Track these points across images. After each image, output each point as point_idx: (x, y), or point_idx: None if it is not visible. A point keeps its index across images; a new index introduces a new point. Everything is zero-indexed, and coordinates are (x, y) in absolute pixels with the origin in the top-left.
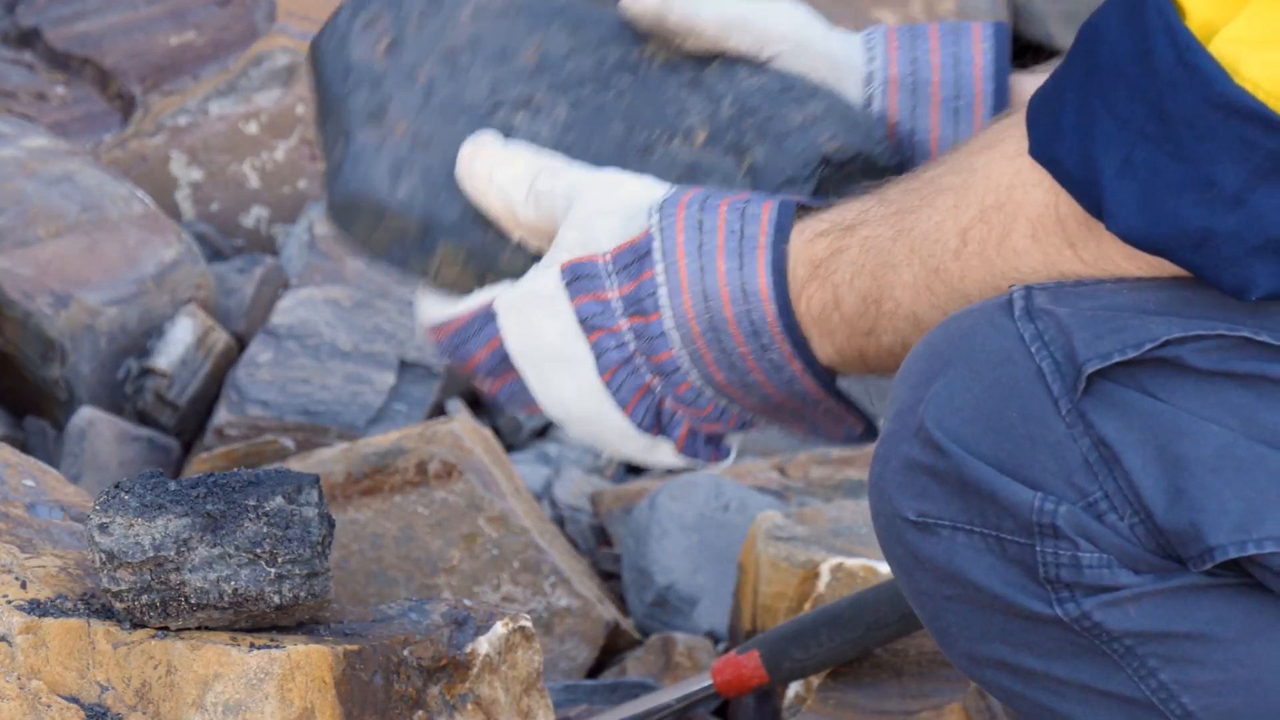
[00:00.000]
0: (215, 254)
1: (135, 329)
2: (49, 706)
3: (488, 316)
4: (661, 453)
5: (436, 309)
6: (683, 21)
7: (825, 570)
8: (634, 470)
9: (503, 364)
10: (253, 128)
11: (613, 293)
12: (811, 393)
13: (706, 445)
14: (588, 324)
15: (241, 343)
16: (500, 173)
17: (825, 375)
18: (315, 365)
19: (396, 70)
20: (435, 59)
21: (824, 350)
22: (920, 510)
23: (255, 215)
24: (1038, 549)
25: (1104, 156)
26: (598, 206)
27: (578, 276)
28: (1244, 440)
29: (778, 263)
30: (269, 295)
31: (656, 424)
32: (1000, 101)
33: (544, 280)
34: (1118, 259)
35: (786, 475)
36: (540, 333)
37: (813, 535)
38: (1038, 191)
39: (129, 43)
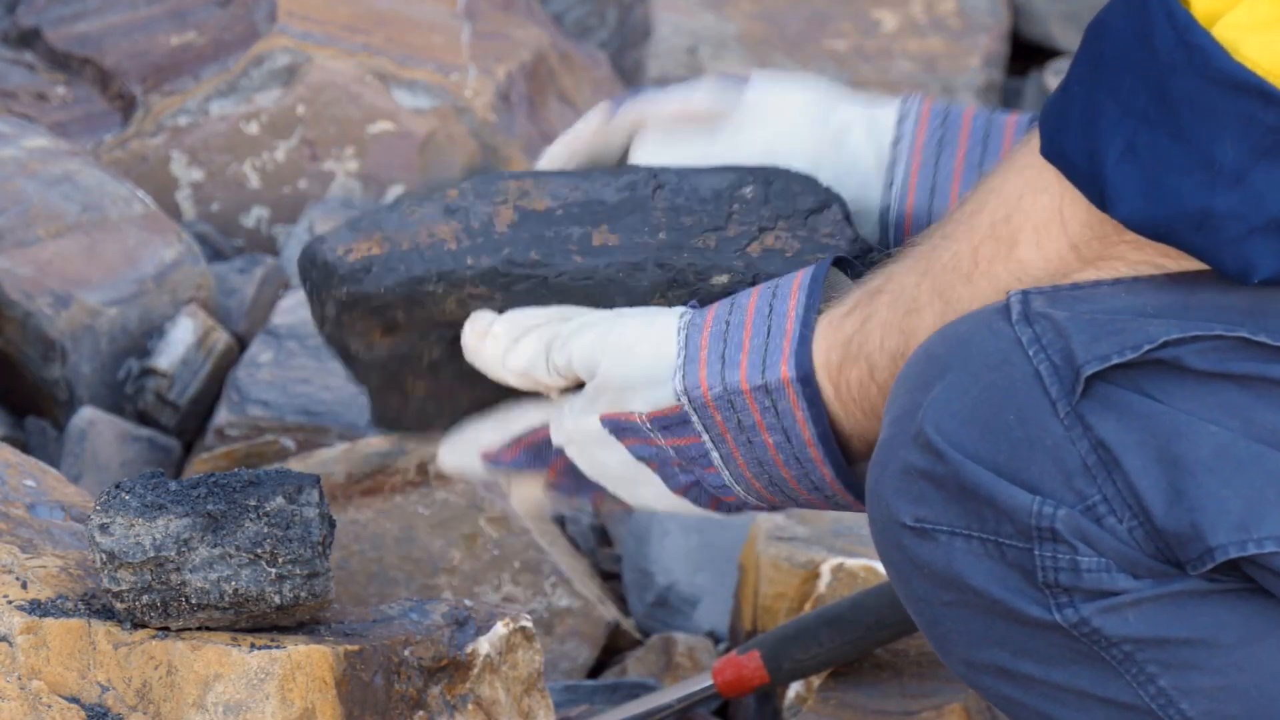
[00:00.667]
0: (216, 254)
1: (136, 329)
2: (49, 707)
3: (548, 442)
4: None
5: (493, 434)
6: (660, 148)
7: (826, 570)
8: None
9: (579, 480)
10: (253, 128)
11: (660, 442)
12: (850, 503)
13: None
14: (645, 460)
15: (242, 343)
16: (512, 361)
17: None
18: (316, 365)
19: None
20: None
21: (871, 430)
22: (918, 516)
23: (256, 215)
24: (1036, 553)
25: (1108, 144)
26: (622, 380)
27: (621, 428)
28: (1243, 440)
29: (823, 433)
30: (270, 295)
31: (712, 505)
32: None
33: (586, 424)
34: (1121, 255)
35: None
36: (606, 464)
37: (813, 535)
38: (1043, 197)
39: (129, 43)
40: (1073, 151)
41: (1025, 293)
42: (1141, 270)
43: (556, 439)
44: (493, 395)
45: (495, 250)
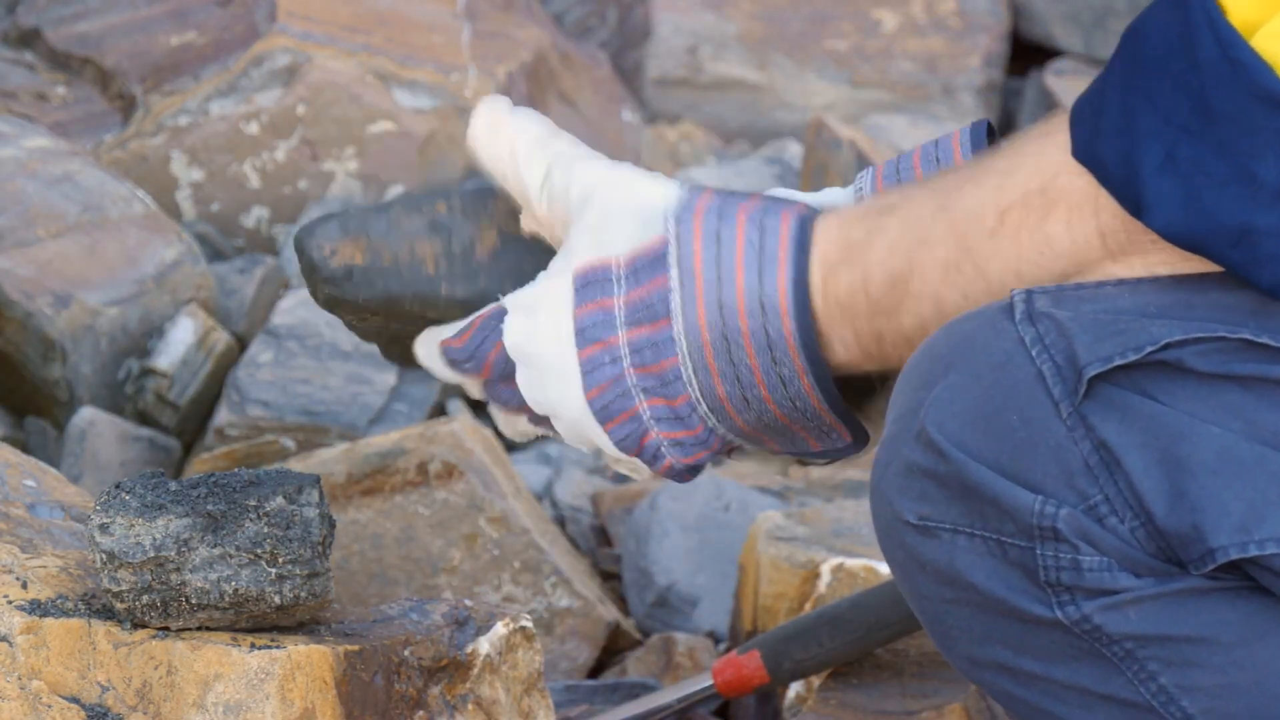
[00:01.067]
0: (216, 254)
1: (136, 329)
2: (49, 707)
3: (500, 314)
4: (639, 470)
5: (447, 329)
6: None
7: (826, 570)
8: None
9: (510, 364)
10: (253, 128)
11: (619, 300)
12: (815, 408)
13: (685, 474)
14: (585, 335)
15: (242, 343)
16: (522, 157)
17: (832, 391)
18: (316, 365)
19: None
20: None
21: (843, 336)
22: (921, 513)
23: (256, 215)
24: (1038, 552)
25: (1145, 153)
26: (613, 210)
27: (588, 283)
28: (1245, 442)
29: (798, 278)
30: (270, 295)
31: (637, 450)
32: None
33: (553, 285)
34: (1143, 252)
35: (787, 475)
36: (536, 336)
37: (813, 535)
38: (1082, 181)
39: (130, 43)
40: (1108, 156)
41: (1029, 292)
42: (1159, 270)
43: (509, 303)
44: None
45: (471, 280)
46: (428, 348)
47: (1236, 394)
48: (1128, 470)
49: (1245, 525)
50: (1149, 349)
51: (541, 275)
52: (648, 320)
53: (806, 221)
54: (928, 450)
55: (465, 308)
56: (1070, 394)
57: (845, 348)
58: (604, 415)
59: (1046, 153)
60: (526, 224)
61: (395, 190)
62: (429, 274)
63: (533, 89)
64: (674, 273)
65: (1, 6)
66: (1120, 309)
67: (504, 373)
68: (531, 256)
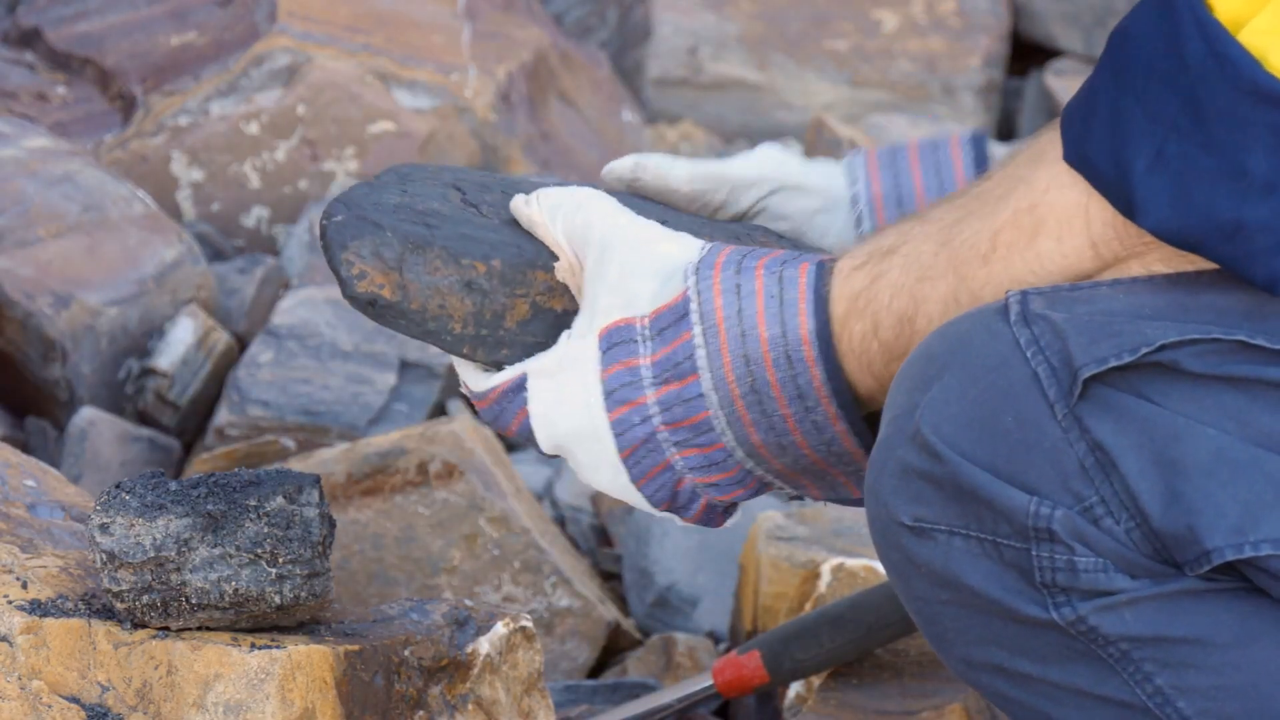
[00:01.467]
0: (216, 254)
1: (136, 329)
2: (50, 707)
3: (519, 386)
4: (670, 518)
5: (476, 381)
6: (655, 181)
7: (826, 570)
8: None
9: (532, 435)
10: (253, 128)
11: (645, 359)
12: (849, 451)
13: (719, 515)
14: (614, 396)
15: (242, 343)
16: (544, 198)
17: (866, 435)
18: (316, 365)
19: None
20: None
21: (865, 384)
22: (916, 515)
23: (256, 215)
24: (1034, 553)
25: (1135, 152)
26: (634, 268)
27: (614, 343)
28: (1240, 443)
29: (821, 328)
30: (270, 295)
31: (670, 500)
32: None
33: (579, 347)
34: (1138, 256)
35: None
36: (564, 402)
37: (813, 535)
38: (1071, 193)
39: (130, 43)
40: (1098, 159)
41: (1024, 293)
42: (1157, 269)
43: (531, 370)
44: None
45: (494, 348)
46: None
47: (1231, 396)
48: (1123, 472)
49: (1241, 527)
50: (1144, 350)
51: (563, 336)
52: (675, 378)
53: (823, 270)
54: (923, 452)
55: (489, 367)
56: (1065, 395)
57: (869, 393)
58: (636, 472)
59: (1038, 171)
60: (560, 272)
61: None
62: (454, 331)
63: (533, 89)
64: (697, 329)
65: (2, 6)
66: (1115, 310)
67: (527, 437)
68: (558, 331)
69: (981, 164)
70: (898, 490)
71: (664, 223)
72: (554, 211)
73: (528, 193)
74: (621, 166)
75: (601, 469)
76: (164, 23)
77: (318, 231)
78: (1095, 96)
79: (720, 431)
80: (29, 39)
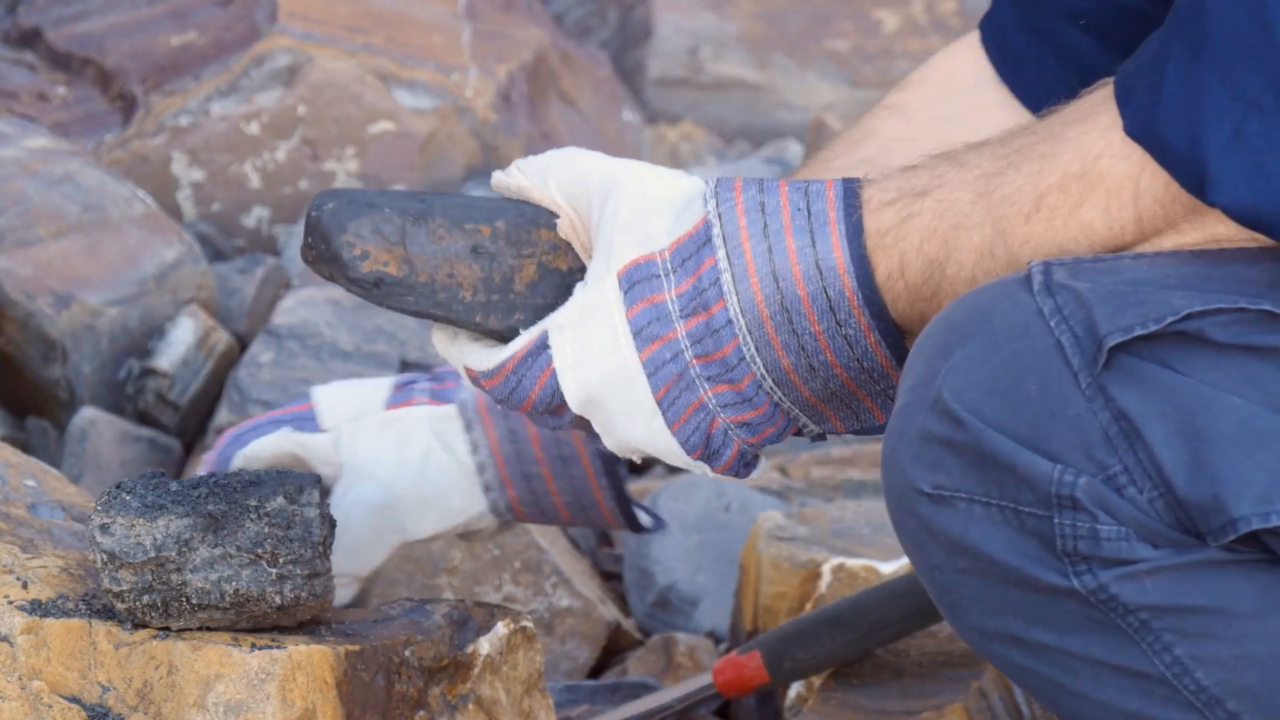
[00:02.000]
0: (216, 254)
1: (136, 329)
2: (50, 707)
3: (540, 347)
4: (701, 469)
5: (483, 359)
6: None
7: (827, 570)
8: (635, 470)
9: (556, 396)
10: (254, 128)
11: (670, 293)
12: (883, 366)
13: (746, 465)
14: (643, 335)
15: (243, 343)
16: (527, 164)
17: (900, 345)
18: (316, 365)
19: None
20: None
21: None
22: (935, 483)
23: (256, 215)
24: (1056, 521)
25: (1212, 129)
26: (645, 203)
27: (635, 281)
28: (1265, 413)
29: (853, 235)
30: (270, 295)
31: (703, 445)
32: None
33: (599, 291)
34: (1179, 232)
35: (788, 476)
36: (592, 349)
37: (814, 535)
38: (1124, 164)
39: (130, 43)
40: (1169, 133)
41: (1047, 263)
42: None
43: (551, 326)
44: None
45: (507, 313)
46: (447, 349)
47: (1256, 365)
48: (1147, 440)
49: (1267, 495)
50: (1169, 319)
51: (578, 288)
52: (702, 307)
53: (852, 187)
54: (944, 419)
55: (497, 338)
56: (1090, 364)
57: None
58: (671, 415)
59: (1088, 135)
60: (563, 229)
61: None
62: (464, 300)
63: (533, 89)
64: (721, 252)
65: (2, 6)
66: (1139, 280)
67: (549, 406)
68: (567, 291)
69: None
70: (917, 458)
71: None
72: (543, 173)
73: (485, 215)
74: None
75: (635, 416)
76: (164, 23)
77: (307, 225)
78: (1163, 66)
79: (750, 359)
80: (29, 39)
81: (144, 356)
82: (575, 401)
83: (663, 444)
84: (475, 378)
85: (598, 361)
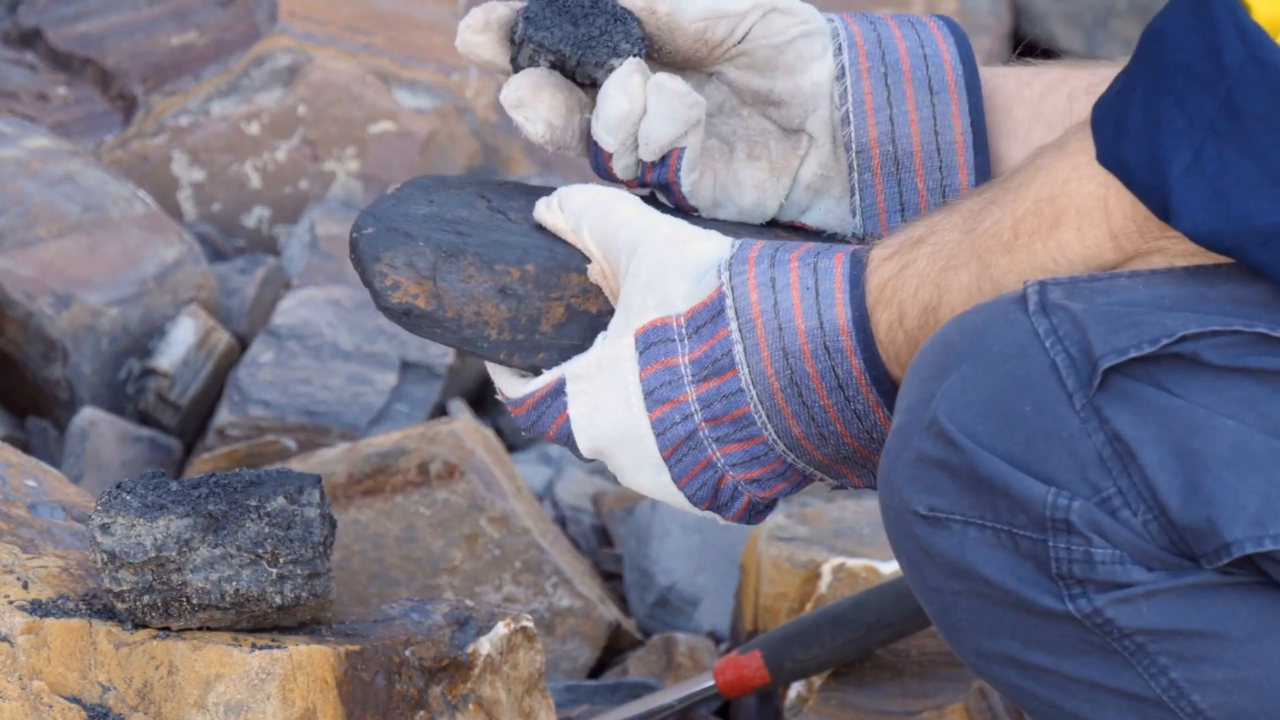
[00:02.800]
0: (217, 254)
1: (137, 329)
2: (50, 707)
3: (558, 390)
4: (711, 518)
5: (512, 387)
6: (668, 18)
7: (827, 571)
8: None
9: (572, 437)
10: (254, 128)
11: (684, 357)
12: None
13: (759, 514)
14: (654, 396)
15: (243, 343)
16: (568, 201)
17: None
18: (317, 365)
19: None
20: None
21: (892, 373)
22: (931, 505)
23: (257, 215)
24: (1050, 544)
25: (1172, 155)
26: (666, 267)
27: (651, 343)
28: (1260, 435)
29: (858, 317)
30: (271, 295)
31: (711, 498)
32: (972, 86)
33: (616, 348)
34: (1160, 249)
35: None
36: (605, 404)
37: (814, 536)
38: (1090, 185)
39: (130, 43)
40: (1133, 160)
41: (1043, 283)
42: (1178, 263)
43: (569, 373)
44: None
45: (531, 352)
46: (487, 366)
47: (1251, 387)
48: (1142, 463)
49: (1261, 519)
50: (1165, 341)
51: (599, 338)
52: (714, 374)
53: (858, 260)
54: (939, 441)
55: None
56: (1084, 385)
57: (897, 382)
58: (678, 471)
59: (1058, 163)
60: (593, 274)
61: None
62: (490, 338)
63: None
64: (734, 324)
65: (2, 6)
66: (1135, 301)
67: (567, 442)
68: (594, 333)
69: (965, 51)
70: (913, 479)
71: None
72: (580, 216)
73: (517, 256)
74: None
75: (643, 470)
76: (165, 23)
77: (349, 244)
78: (1129, 97)
79: (761, 425)
80: (30, 39)
81: (144, 356)
82: (585, 450)
83: (669, 496)
84: (505, 401)
85: (608, 416)
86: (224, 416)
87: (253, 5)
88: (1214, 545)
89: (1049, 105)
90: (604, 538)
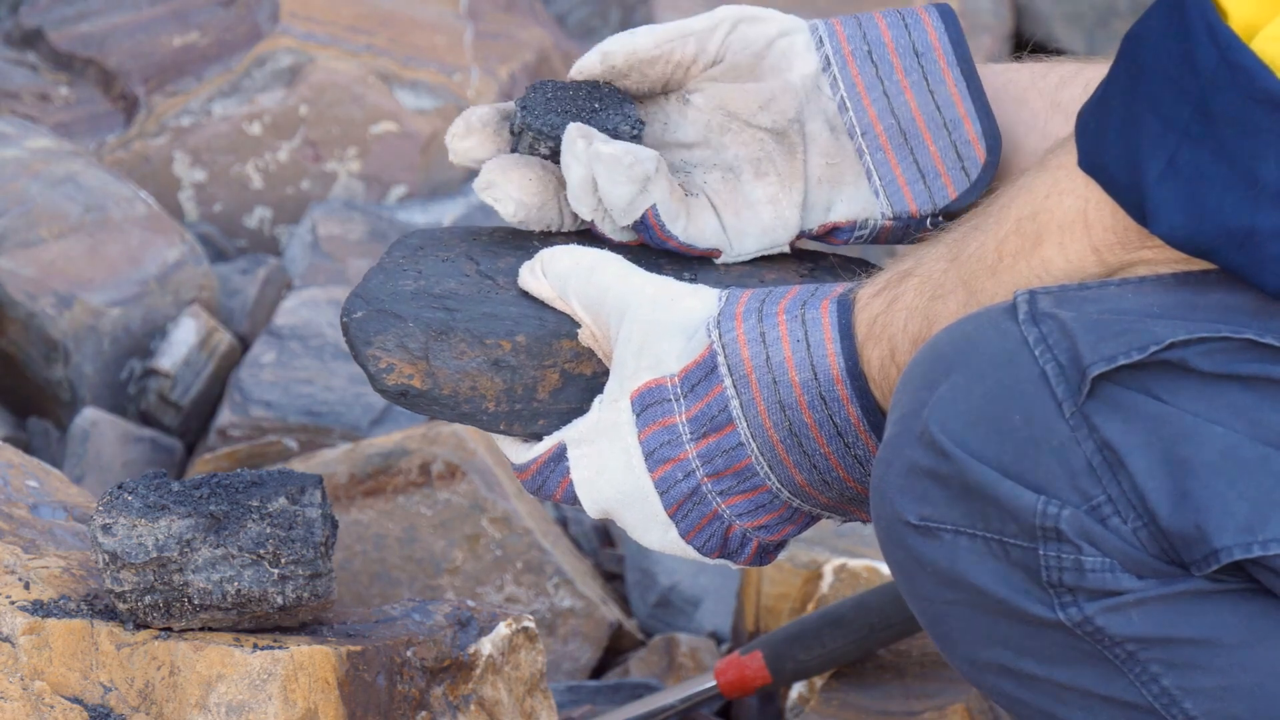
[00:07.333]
0: (218, 255)
1: (138, 330)
2: (52, 707)
3: (559, 455)
4: (723, 564)
5: (516, 454)
6: (626, 60)
7: (828, 571)
8: None
9: (578, 499)
10: (256, 128)
11: (681, 416)
12: None
13: (770, 554)
14: (655, 456)
15: (245, 343)
16: (550, 266)
17: None
18: (318, 366)
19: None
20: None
21: (886, 408)
22: (922, 514)
23: (258, 216)
24: (1041, 553)
25: (1149, 160)
26: (656, 328)
27: (647, 404)
28: (1249, 442)
29: (851, 366)
30: (272, 296)
31: (720, 547)
32: (957, 41)
33: (614, 412)
34: (1142, 260)
35: None
36: (607, 467)
37: (816, 536)
38: (1068, 198)
39: (132, 43)
40: (1112, 165)
41: (1032, 292)
42: (1163, 271)
43: (568, 439)
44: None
45: (530, 420)
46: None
47: (1240, 394)
48: (1131, 471)
49: (1250, 526)
50: (1153, 349)
51: (596, 402)
52: (713, 430)
53: (845, 305)
54: (930, 450)
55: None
56: (1074, 394)
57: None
58: (685, 526)
59: (1038, 179)
60: (584, 338)
61: (398, 191)
62: (489, 410)
63: None
64: (728, 381)
65: (4, 7)
66: (1124, 309)
67: (573, 502)
68: (590, 396)
69: (955, 32)
70: (904, 489)
71: (678, 272)
72: (564, 282)
73: (507, 328)
74: (589, 64)
75: (651, 528)
76: (166, 23)
77: (340, 328)
78: (1109, 103)
79: (764, 475)
80: (31, 40)
81: (146, 357)
82: (592, 511)
83: (679, 550)
84: (511, 467)
85: (611, 479)
86: (225, 417)
87: (254, 6)
88: (1203, 552)
89: (1066, 95)
90: (605, 538)
